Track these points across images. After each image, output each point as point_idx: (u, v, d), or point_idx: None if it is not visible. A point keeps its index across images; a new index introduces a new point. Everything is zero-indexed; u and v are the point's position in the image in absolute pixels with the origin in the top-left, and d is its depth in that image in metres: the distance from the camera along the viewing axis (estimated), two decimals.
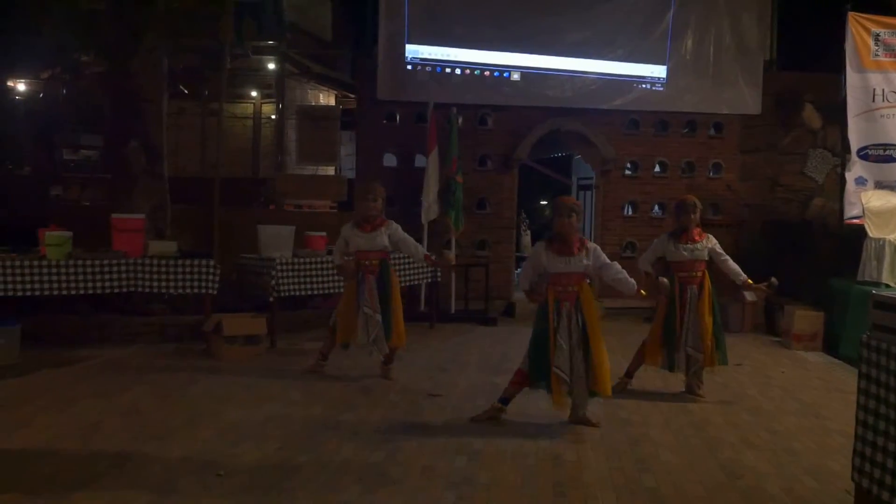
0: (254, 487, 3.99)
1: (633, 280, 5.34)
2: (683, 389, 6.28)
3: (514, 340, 8.41)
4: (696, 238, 6.13)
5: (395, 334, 6.42)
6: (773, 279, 6.07)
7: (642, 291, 5.39)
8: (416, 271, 8.96)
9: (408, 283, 8.98)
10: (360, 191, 7.44)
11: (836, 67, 9.30)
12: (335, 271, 7.11)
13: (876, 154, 9.15)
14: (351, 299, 6.40)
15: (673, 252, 6.14)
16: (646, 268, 6.29)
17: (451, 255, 6.91)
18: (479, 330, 9.41)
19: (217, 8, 8.64)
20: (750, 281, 6.18)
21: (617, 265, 5.30)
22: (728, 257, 6.23)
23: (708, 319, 6.05)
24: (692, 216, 6.12)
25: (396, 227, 6.46)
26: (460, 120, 10.39)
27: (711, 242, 6.17)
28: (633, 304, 9.86)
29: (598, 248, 5.28)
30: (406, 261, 8.59)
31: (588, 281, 5.32)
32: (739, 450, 4.86)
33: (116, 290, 7.39)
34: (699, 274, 6.11)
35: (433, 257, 6.76)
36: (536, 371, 5.18)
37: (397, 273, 8.42)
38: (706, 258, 6.14)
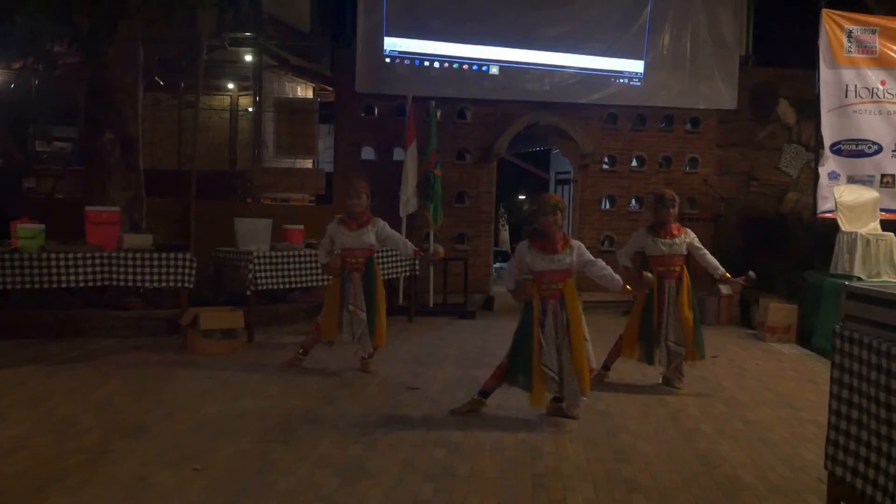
0: (231, 482, 3.97)
1: (618, 276, 5.35)
2: (661, 381, 6.33)
3: (493, 334, 8.45)
4: (675, 232, 6.17)
5: (377, 334, 6.40)
6: (751, 273, 6.13)
7: (628, 287, 5.40)
8: (394, 265, 8.96)
9: (387, 277, 8.95)
10: (343, 187, 7.39)
11: (811, 63, 9.39)
12: (320, 269, 7.04)
13: (848, 149, 9.27)
14: (336, 297, 6.35)
15: (651, 246, 6.17)
16: (625, 262, 6.32)
17: (440, 248, 6.88)
18: (458, 323, 9.43)
19: None
20: (728, 275, 6.23)
21: (601, 262, 5.31)
22: (706, 251, 6.28)
23: (688, 313, 6.09)
24: (670, 210, 6.15)
25: (383, 224, 6.40)
26: (439, 113, 10.38)
27: (690, 237, 6.20)
28: (611, 297, 9.95)
29: (582, 245, 5.27)
30: (385, 254, 8.57)
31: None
32: (715, 440, 4.91)
33: (91, 284, 7.30)
34: (677, 268, 6.15)
35: (422, 252, 6.74)
36: (514, 368, 5.19)
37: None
38: (684, 252, 6.18)
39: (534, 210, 5.41)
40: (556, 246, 5.12)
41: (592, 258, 5.27)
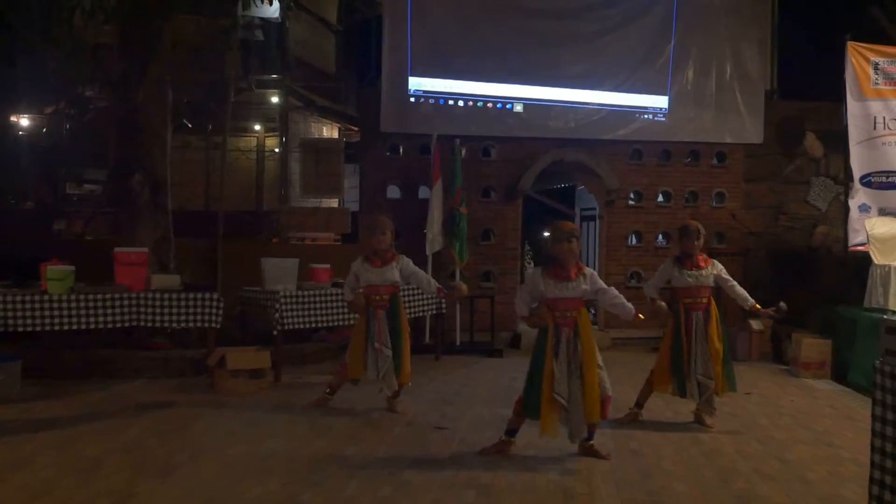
0: None
1: (630, 304, 5.29)
2: (692, 419, 6.20)
3: (521, 372, 8.27)
4: (702, 264, 6.10)
5: (403, 371, 6.35)
6: (783, 304, 6.03)
7: (640, 315, 5.33)
8: (420, 303, 8.92)
9: (413, 315, 8.93)
10: (368, 225, 7.41)
11: (836, 96, 9.35)
12: (346, 307, 7.03)
13: (879, 181, 9.17)
14: (361, 335, 6.33)
15: (678, 278, 6.11)
16: (651, 294, 6.25)
17: (464, 285, 6.85)
18: (485, 362, 9.34)
19: (222, 42, 8.71)
20: (758, 306, 6.14)
21: (614, 290, 5.26)
22: (735, 283, 6.20)
23: (718, 346, 5.99)
24: (695, 242, 6.10)
25: (408, 261, 6.40)
26: (464, 151, 10.41)
27: (717, 269, 6.14)
28: (639, 333, 9.85)
29: (595, 272, 5.24)
30: (410, 292, 8.56)
31: (592, 312, 5.27)
32: (752, 480, 4.78)
33: (119, 325, 7.33)
34: (704, 300, 6.07)
35: (445, 290, 6.71)
36: (528, 398, 5.13)
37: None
38: (712, 284, 6.11)
39: (549, 237, 5.38)
40: (570, 273, 5.08)
41: (605, 286, 5.22)
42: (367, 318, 6.30)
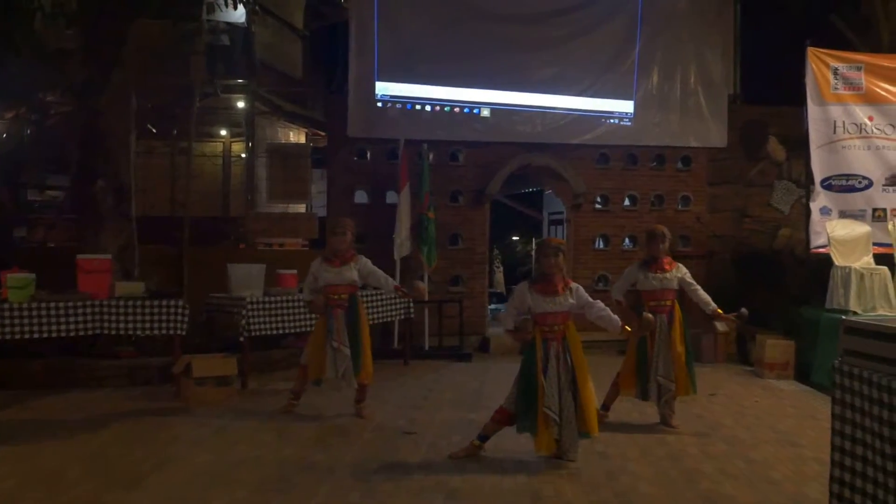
0: None
1: (616, 317, 5.32)
2: (658, 421, 6.26)
3: (490, 376, 8.37)
4: (667, 267, 6.19)
5: (363, 370, 6.35)
6: (744, 310, 6.11)
7: (627, 328, 5.39)
8: (389, 308, 8.90)
9: (381, 320, 8.92)
10: (329, 225, 7.41)
11: (798, 101, 9.49)
12: (305, 307, 7.04)
13: (839, 184, 9.32)
14: (320, 335, 6.36)
15: (643, 281, 6.19)
16: (618, 296, 6.37)
17: (423, 285, 6.88)
18: (454, 366, 9.34)
19: (187, 47, 8.62)
20: (720, 311, 6.23)
21: (600, 303, 5.30)
22: (698, 287, 6.28)
23: (680, 348, 6.07)
24: (661, 245, 6.19)
25: (366, 261, 6.46)
26: (431, 156, 10.42)
27: (682, 272, 6.22)
28: (604, 336, 9.88)
29: (581, 287, 5.28)
30: (379, 297, 8.55)
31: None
32: (718, 480, 4.84)
33: (82, 333, 7.23)
34: (668, 303, 6.15)
35: (404, 289, 6.75)
36: (524, 415, 5.11)
37: (369, 309, 8.42)
38: (676, 287, 6.20)
39: (536, 252, 5.42)
40: (556, 288, 5.12)
41: (591, 300, 5.27)
42: (327, 317, 6.33)
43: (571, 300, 5.14)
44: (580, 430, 5.07)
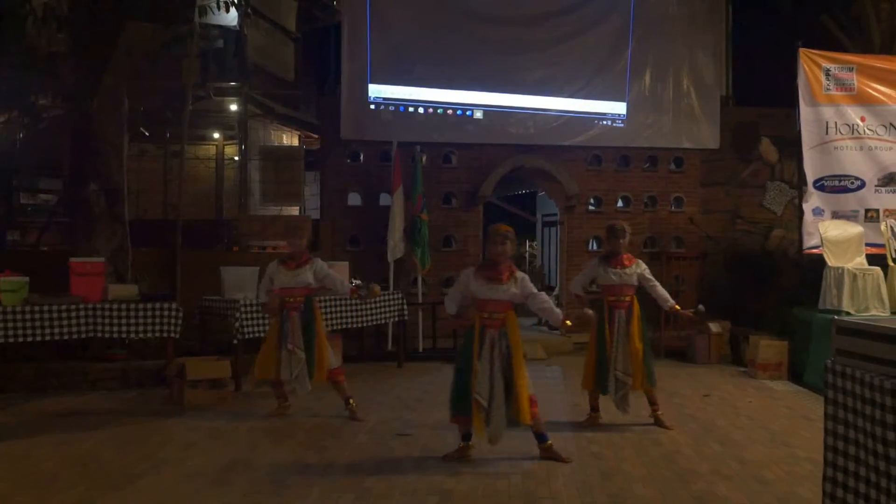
0: None
1: (558, 311, 5.39)
2: (652, 422, 6.27)
3: None
4: (626, 263, 6.22)
5: (318, 371, 6.35)
6: (701, 306, 6.16)
7: (567, 322, 5.39)
8: (383, 310, 8.90)
9: (375, 323, 8.91)
10: (287, 229, 7.46)
11: (790, 102, 9.52)
12: (259, 309, 7.08)
13: (832, 185, 9.34)
14: (274, 336, 6.40)
15: (602, 275, 6.23)
16: (577, 291, 6.43)
17: (377, 287, 6.91)
18: (448, 368, 9.25)
19: (179, 49, 8.60)
20: (678, 307, 6.29)
21: (543, 295, 5.32)
22: (657, 283, 6.33)
23: (638, 344, 6.09)
24: (621, 241, 6.22)
25: (322, 264, 6.50)
26: (424, 158, 10.43)
27: (641, 268, 6.27)
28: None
29: (527, 277, 5.27)
30: (373, 301, 8.52)
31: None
32: (711, 480, 4.85)
33: (75, 336, 7.20)
34: (627, 298, 6.18)
35: (360, 292, 6.79)
36: (457, 399, 5.14)
37: (365, 312, 8.43)
38: (635, 283, 6.23)
39: (484, 240, 5.43)
40: (501, 276, 5.12)
41: (535, 291, 5.25)
42: (281, 320, 6.35)
43: (514, 290, 5.12)
44: (511, 418, 5.05)
